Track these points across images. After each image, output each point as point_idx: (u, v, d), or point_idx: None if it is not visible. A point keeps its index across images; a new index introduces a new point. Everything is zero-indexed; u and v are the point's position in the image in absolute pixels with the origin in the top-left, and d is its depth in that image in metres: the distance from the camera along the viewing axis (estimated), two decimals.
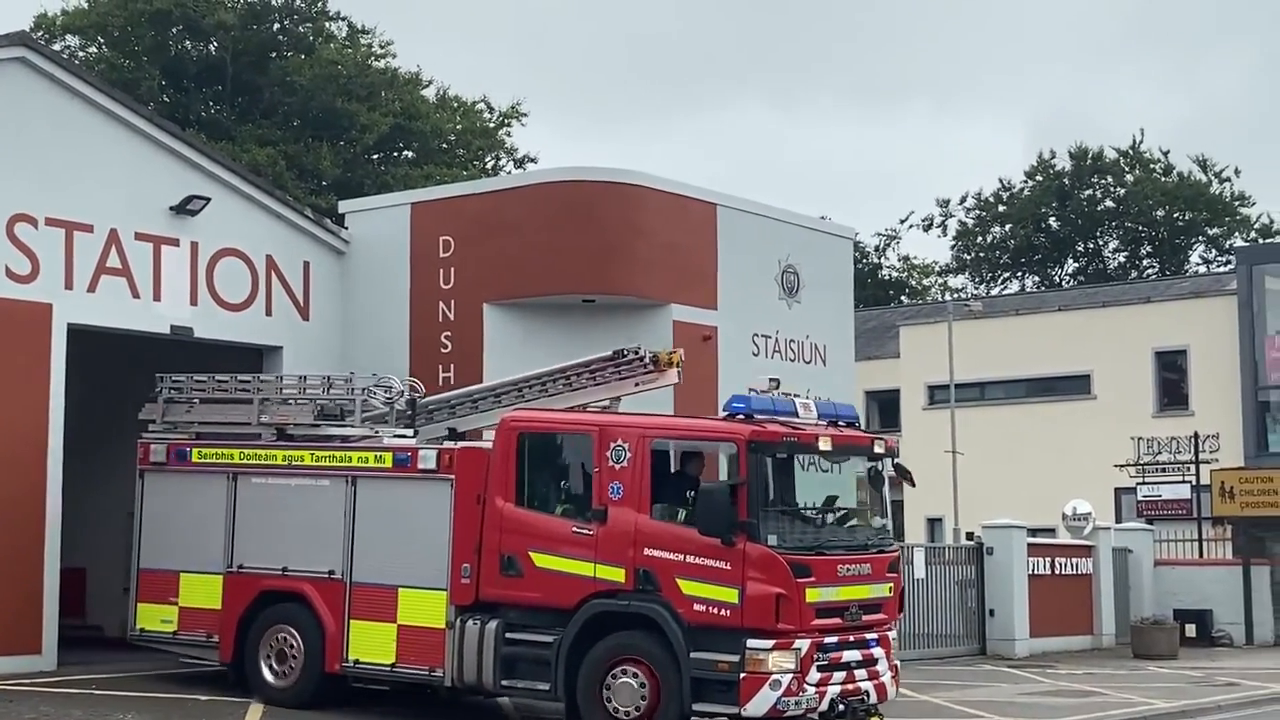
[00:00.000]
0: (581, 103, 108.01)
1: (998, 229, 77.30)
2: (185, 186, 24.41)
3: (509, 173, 51.30)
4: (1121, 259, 75.35)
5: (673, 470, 17.52)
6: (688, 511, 16.92)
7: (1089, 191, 74.53)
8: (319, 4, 51.41)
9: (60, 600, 22.58)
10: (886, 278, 79.02)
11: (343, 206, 28.33)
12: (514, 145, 55.72)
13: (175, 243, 24.31)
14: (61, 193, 22.78)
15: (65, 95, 23.14)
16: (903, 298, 75.81)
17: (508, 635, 17.52)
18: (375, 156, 51.08)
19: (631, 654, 16.83)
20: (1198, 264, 72.86)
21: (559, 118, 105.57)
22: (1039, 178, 75.50)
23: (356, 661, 18.74)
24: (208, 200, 24.46)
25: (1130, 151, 74.22)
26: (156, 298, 24.02)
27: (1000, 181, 77.11)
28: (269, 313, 25.72)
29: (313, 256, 26.47)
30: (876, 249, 78.81)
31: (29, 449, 22.10)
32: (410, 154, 51.45)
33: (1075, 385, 49.56)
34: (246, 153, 43.42)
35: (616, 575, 16.99)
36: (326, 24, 51.83)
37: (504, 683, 17.63)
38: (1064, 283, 73.38)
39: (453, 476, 18.22)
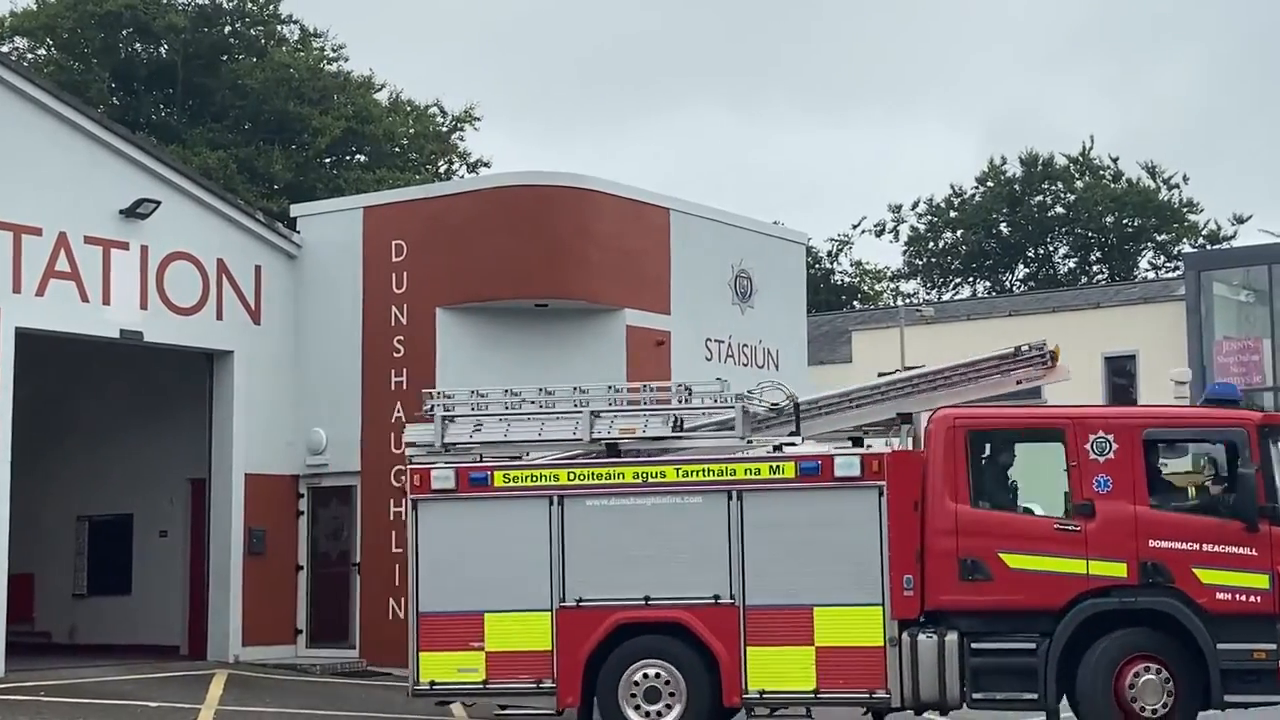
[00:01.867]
0: (535, 107, 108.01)
1: (949, 234, 77.65)
2: (135, 189, 24.28)
3: (462, 177, 51.17)
4: (1071, 265, 75.78)
5: (1160, 459, 17.07)
6: (1190, 500, 16.77)
7: (1039, 198, 74.95)
8: (271, 7, 51.20)
9: (8, 606, 22.34)
10: (839, 283, 79.21)
11: (295, 210, 28.21)
12: (467, 149, 55.64)
13: (125, 246, 24.16)
14: (9, 196, 22.60)
15: (13, 97, 22.97)
16: (855, 303, 76.02)
17: (973, 645, 16.61)
18: (327, 160, 50.88)
19: (1143, 651, 16.34)
20: (1146, 270, 73.40)
21: (513, 122, 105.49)
22: (990, 184, 75.89)
23: (762, 692, 17.09)
24: (158, 204, 24.33)
25: (1080, 158, 74.69)
26: (106, 301, 23.85)
27: (952, 187, 77.50)
28: (220, 317, 25.58)
29: (264, 260, 26.36)
30: (829, 254, 78.98)
31: None
32: (363, 158, 51.26)
33: (1025, 389, 49.76)
34: (197, 156, 43.19)
35: (1116, 570, 16.45)
36: (278, 27, 51.57)
37: (976, 695, 16.63)
38: (1015, 288, 73.77)
39: (883, 483, 16.97)
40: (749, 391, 18.45)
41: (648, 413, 18.25)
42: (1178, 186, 73.77)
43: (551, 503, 17.66)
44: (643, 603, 17.38)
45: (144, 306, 24.40)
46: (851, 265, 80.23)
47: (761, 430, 18.19)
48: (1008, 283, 76.15)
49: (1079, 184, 74.40)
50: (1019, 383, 18.54)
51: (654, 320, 26.36)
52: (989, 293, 73.61)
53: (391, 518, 25.40)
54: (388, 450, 25.46)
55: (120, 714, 19.21)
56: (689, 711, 17.13)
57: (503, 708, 17.96)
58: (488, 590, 17.64)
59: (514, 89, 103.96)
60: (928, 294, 76.18)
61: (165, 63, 49.11)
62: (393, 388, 25.60)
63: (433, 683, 17.77)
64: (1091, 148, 74.94)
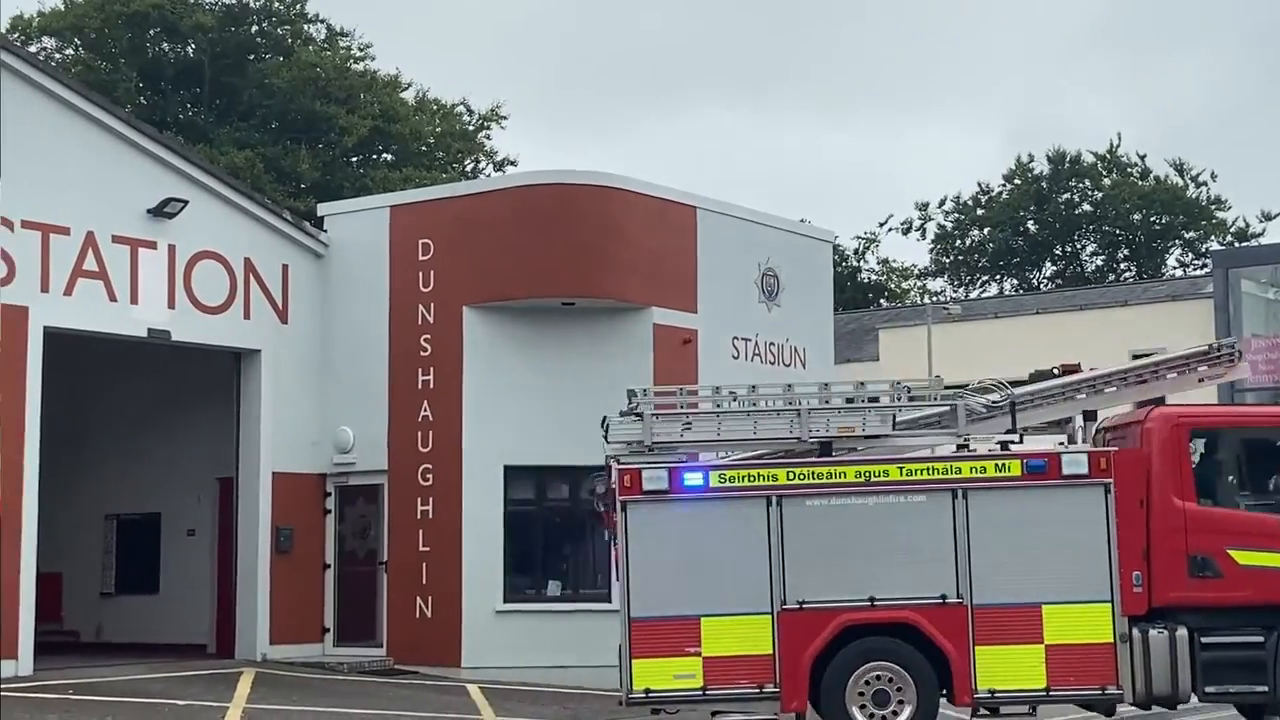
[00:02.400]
0: (561, 106, 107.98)
1: (976, 232, 77.38)
2: (162, 189, 24.33)
3: (489, 176, 51.21)
4: (1099, 262, 75.50)
5: None
6: None
7: (1066, 195, 74.66)
8: (297, 6, 51.33)
9: (36, 605, 22.40)
10: (865, 281, 78.95)
11: (322, 209, 28.26)
12: (494, 148, 55.73)
13: (152, 245, 24.21)
14: (38, 195, 22.66)
15: (41, 97, 23.04)
16: (882, 301, 75.78)
17: (1202, 640, 16.95)
18: (354, 159, 51.00)
19: None
20: (1174, 267, 73.05)
21: (539, 121, 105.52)
22: (1017, 181, 75.61)
23: (992, 691, 17.06)
24: (185, 203, 24.38)
25: (1107, 155, 74.38)
26: (133, 300, 23.92)
27: (979, 185, 77.21)
28: (247, 316, 25.62)
29: (291, 259, 26.40)
30: (856, 252, 78.68)
31: (5, 453, 21.92)
32: (389, 157, 51.37)
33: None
34: (224, 155, 43.31)
35: None
36: (305, 26, 51.75)
37: (1209, 689, 17.03)
38: (1042, 286, 73.48)
39: (1110, 480, 17.16)
40: (967, 388, 18.43)
41: (864, 411, 18.05)
42: (1205, 184, 73.48)
43: (769, 503, 17.26)
44: (868, 604, 17.14)
45: (171, 306, 24.46)
46: (878, 263, 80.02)
47: (975, 426, 18.13)
48: (1035, 280, 75.89)
49: (1106, 181, 74.11)
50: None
51: (681, 319, 26.32)
52: (1016, 291, 73.34)
53: (418, 516, 25.44)
54: (415, 449, 25.52)
55: (148, 712, 19.23)
56: (919, 713, 17.01)
57: (715, 714, 17.75)
58: (703, 594, 17.18)
59: (540, 88, 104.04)
60: (955, 292, 75.98)
61: (192, 62, 49.28)
62: (420, 386, 25.62)
63: (648, 690, 17.18)
64: (1119, 145, 74.70)
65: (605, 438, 17.89)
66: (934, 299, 69.99)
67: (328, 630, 26.29)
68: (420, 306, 25.82)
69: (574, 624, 24.93)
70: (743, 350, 27.67)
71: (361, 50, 52.34)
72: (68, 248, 23.04)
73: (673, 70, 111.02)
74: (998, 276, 77.36)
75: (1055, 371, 19.16)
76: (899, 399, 18.18)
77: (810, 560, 17.21)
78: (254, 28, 50.80)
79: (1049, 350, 48.95)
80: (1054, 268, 76.42)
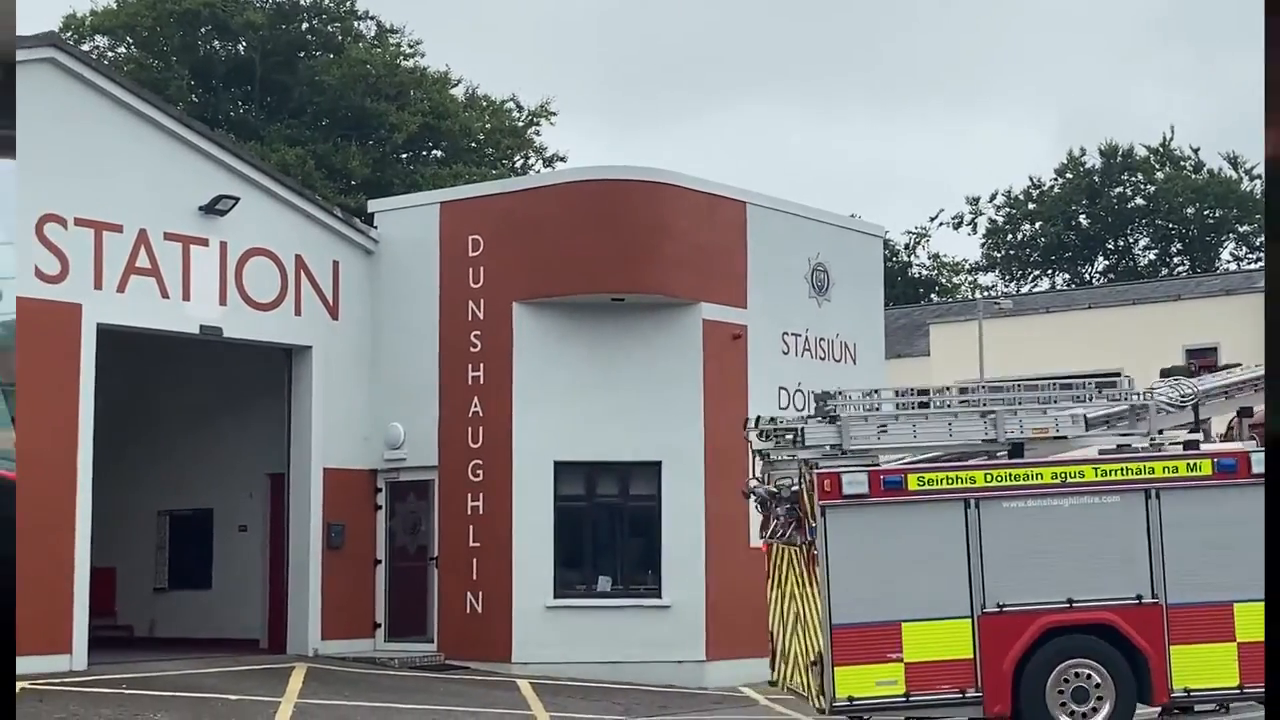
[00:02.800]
0: (610, 101, 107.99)
1: (1028, 227, 77.04)
2: (214, 186, 24.44)
3: (538, 172, 51.26)
4: (1152, 256, 75.04)
5: None
6: None
7: (1119, 189, 74.22)
8: (347, 3, 51.51)
9: (90, 600, 22.56)
10: (916, 276, 78.71)
11: (372, 206, 28.34)
12: (543, 144, 55.77)
13: (204, 242, 24.33)
14: (91, 193, 22.81)
15: (94, 95, 23.17)
16: (933, 296, 75.51)
17: None
18: (404, 156, 51.15)
19: None
20: (1228, 261, 72.56)
21: (589, 117, 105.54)
22: (1069, 175, 75.23)
23: (1188, 690, 17.07)
24: (237, 200, 24.48)
25: (1160, 149, 73.93)
26: (185, 297, 24.03)
27: (1030, 179, 76.90)
28: (298, 312, 25.72)
29: (342, 256, 26.48)
30: (906, 247, 78.48)
31: (59, 449, 22.07)
32: (439, 153, 51.50)
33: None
34: (275, 152, 43.51)
35: None
36: (355, 23, 51.93)
37: None
38: (1094, 280, 73.07)
39: None
40: (1153, 386, 18.40)
41: (1056, 411, 17.86)
42: (1260, 177, 72.89)
43: (967, 505, 17.07)
44: (1066, 605, 17.06)
45: (223, 302, 24.56)
46: (929, 258, 79.79)
47: (1159, 421, 18.07)
48: (1087, 275, 75.47)
49: (1159, 175, 73.65)
50: None
51: (731, 314, 26.26)
52: (1068, 285, 72.95)
53: (469, 512, 25.48)
54: (465, 445, 25.56)
55: (201, 707, 19.32)
56: (1116, 711, 17.00)
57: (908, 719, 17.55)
58: (904, 598, 16.94)
59: (581, 83, 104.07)
60: (1006, 287, 75.65)
61: (243, 60, 49.52)
62: (470, 382, 25.66)
63: (851, 698, 16.80)
64: (1172, 138, 74.23)
65: (754, 435, 17.58)
66: (985, 294, 69.70)
67: (379, 625, 26.37)
68: (470, 302, 25.86)
69: (624, 619, 24.95)
70: (793, 346, 27.59)
71: (411, 47, 52.51)
72: (120, 245, 23.17)
73: (722, 65, 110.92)
74: (1049, 271, 76.98)
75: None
76: (1088, 398, 18.01)
77: (1008, 562, 17.05)
78: (304, 25, 51.01)
79: (1101, 345, 48.84)
80: (1106, 262, 75.98)
